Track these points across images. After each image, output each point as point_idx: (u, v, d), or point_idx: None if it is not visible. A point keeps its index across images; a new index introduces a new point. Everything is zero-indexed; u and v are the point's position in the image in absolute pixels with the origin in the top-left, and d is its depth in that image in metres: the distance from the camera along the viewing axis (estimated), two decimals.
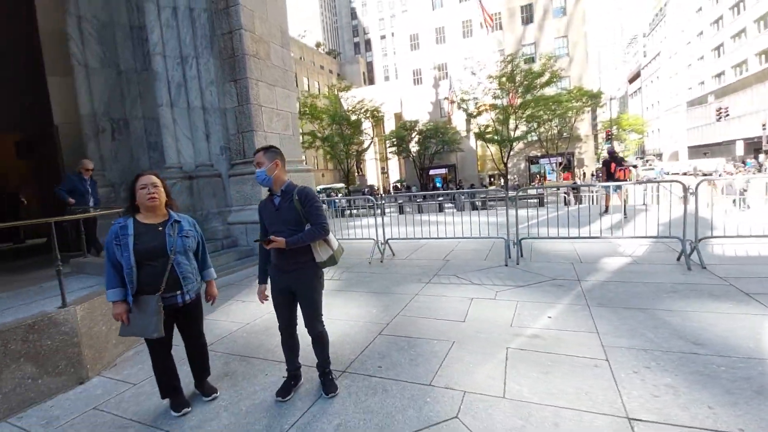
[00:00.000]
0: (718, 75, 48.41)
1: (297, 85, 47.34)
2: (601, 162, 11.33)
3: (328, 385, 2.69)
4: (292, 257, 2.53)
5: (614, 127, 48.41)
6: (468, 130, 35.21)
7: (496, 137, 28.04)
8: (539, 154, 36.77)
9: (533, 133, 33.17)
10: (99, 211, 5.37)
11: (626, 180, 9.79)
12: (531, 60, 34.08)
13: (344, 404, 2.56)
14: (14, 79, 7.70)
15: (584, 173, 35.29)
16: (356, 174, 46.62)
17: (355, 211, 18.74)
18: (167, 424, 2.51)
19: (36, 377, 2.85)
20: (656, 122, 72.73)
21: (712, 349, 2.92)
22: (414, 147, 39.36)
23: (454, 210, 15.38)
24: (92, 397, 2.91)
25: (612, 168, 9.70)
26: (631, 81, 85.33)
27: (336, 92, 30.56)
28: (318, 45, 59.63)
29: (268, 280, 2.73)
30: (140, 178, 2.56)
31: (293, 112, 8.78)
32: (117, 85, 7.57)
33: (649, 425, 2.16)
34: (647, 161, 62.75)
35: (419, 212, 17.36)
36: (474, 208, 15.85)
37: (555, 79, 27.02)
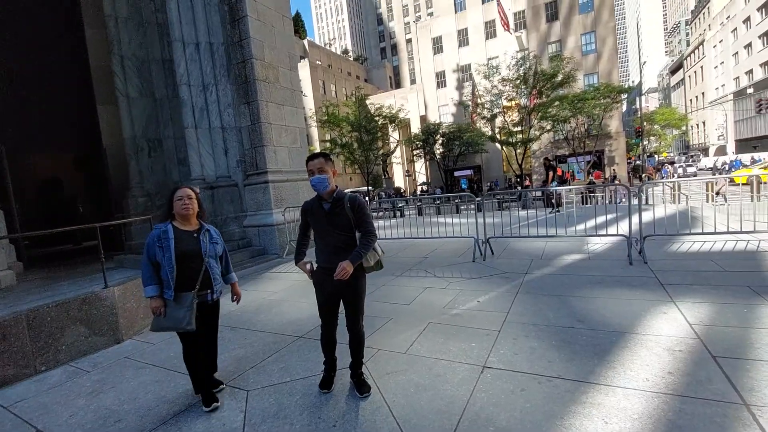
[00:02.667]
0: (767, 63, 45.45)
1: (324, 93, 49.18)
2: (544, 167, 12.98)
3: (361, 385, 2.81)
4: (343, 261, 2.57)
5: (646, 123, 46.65)
6: (492, 131, 35.34)
7: (510, 140, 28.13)
8: (566, 153, 36.25)
9: (559, 132, 32.91)
10: (134, 218, 6.68)
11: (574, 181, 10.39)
12: (558, 58, 33.73)
13: (291, 357, 3.55)
14: (71, 108, 9.35)
15: (614, 172, 34.41)
16: (383, 177, 47.80)
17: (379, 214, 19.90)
18: (171, 365, 3.60)
19: (87, 336, 4.05)
20: (700, 115, 68.75)
21: (588, 325, 3.65)
22: (438, 149, 40.02)
23: (468, 211, 16.05)
24: (124, 352, 4.08)
25: (559, 171, 11.53)
26: (673, 72, 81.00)
27: (355, 100, 31.70)
28: (345, 52, 61.32)
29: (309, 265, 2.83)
30: (177, 190, 2.83)
31: (301, 126, 9.91)
32: (153, 110, 9.01)
33: (495, 371, 2.98)
34: (691, 157, 59.59)
35: (438, 213, 18.17)
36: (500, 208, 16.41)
37: (570, 80, 26.72)
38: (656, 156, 52.51)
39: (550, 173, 12.22)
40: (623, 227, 6.41)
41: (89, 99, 8.80)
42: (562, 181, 13.50)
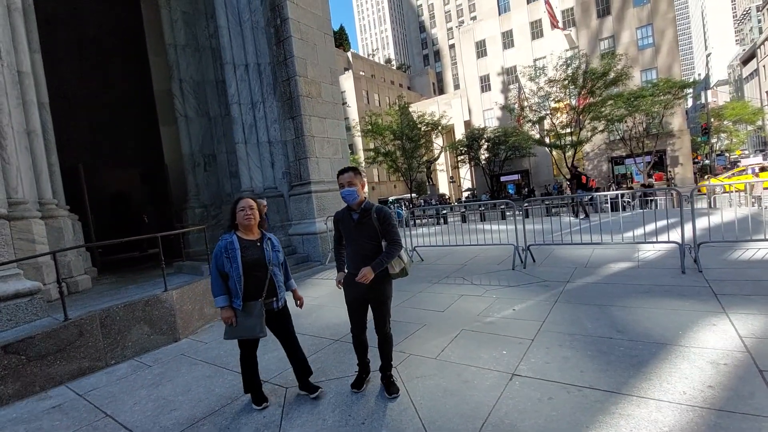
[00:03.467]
0: None
1: (368, 102, 50.18)
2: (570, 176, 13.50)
3: (390, 386, 2.92)
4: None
5: (714, 119, 42.77)
6: (540, 134, 34.15)
7: (559, 142, 27.00)
8: (624, 154, 34.16)
9: (614, 132, 31.17)
10: (190, 227, 7.30)
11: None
12: (611, 55, 32.07)
13: (327, 359, 3.74)
14: (137, 128, 10.41)
15: (672, 174, 31.87)
16: (427, 184, 47.70)
17: (418, 221, 20.00)
18: (221, 362, 3.93)
19: (150, 334, 4.52)
20: None
21: (628, 336, 3.51)
22: (483, 154, 39.32)
23: (515, 218, 15.66)
24: (181, 349, 4.50)
25: (583, 179, 12.27)
26: (745, 63, 73.59)
27: (397, 109, 32.07)
28: (388, 61, 62.25)
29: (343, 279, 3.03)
30: (240, 201, 2.88)
31: (342, 138, 10.29)
32: (208, 128, 9.80)
33: (524, 378, 2.98)
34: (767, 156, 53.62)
35: (482, 220, 17.89)
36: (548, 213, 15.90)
37: (623, 78, 25.22)
38: (727, 154, 47.81)
39: (574, 182, 13.14)
40: (678, 234, 6.02)
41: (153, 120, 9.77)
42: (587, 189, 13.95)
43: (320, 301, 5.92)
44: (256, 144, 9.23)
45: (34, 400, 3.58)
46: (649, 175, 32.58)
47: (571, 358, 3.21)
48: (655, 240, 6.02)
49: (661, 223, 7.35)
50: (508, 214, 18.97)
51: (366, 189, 10.22)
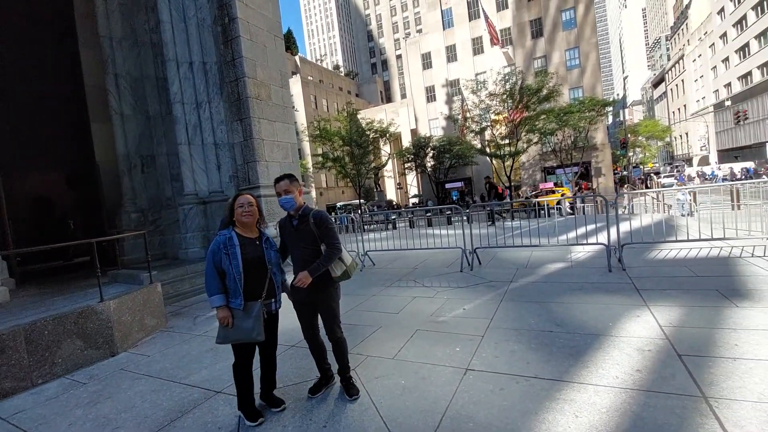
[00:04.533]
0: (744, 76, 47.14)
1: (316, 107, 49.74)
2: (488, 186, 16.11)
3: (350, 388, 2.95)
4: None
5: (630, 135, 47.83)
6: (481, 144, 35.89)
7: (499, 152, 28.72)
8: (555, 165, 36.99)
9: (547, 145, 33.72)
10: (126, 233, 6.79)
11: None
12: (543, 73, 34.70)
13: (283, 365, 3.69)
14: (65, 126, 9.49)
15: (587, 184, 35.11)
16: (375, 190, 48.15)
17: (368, 227, 20.18)
18: (167, 375, 3.71)
19: (83, 349, 4.14)
20: (683, 126, 70.69)
21: (566, 328, 3.85)
22: (429, 162, 40.57)
23: (461, 222, 16.32)
24: (120, 364, 4.17)
25: (499, 189, 14.86)
26: (655, 86, 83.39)
27: (346, 115, 32.21)
28: (336, 67, 62.33)
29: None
30: (238, 197, 2.80)
31: (292, 142, 10.14)
32: (146, 128, 9.18)
33: (477, 372, 3.16)
34: (676, 167, 61.08)
35: (429, 225, 18.39)
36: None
37: (554, 95, 27.52)
38: (641, 167, 53.70)
39: (492, 191, 15.49)
40: (604, 237, 6.69)
41: (83, 117, 8.95)
42: (501, 198, 16.62)
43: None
44: (201, 146, 8.80)
45: None
46: (577, 184, 35.64)
47: (517, 352, 3.46)
48: (585, 242, 6.63)
49: (590, 227, 8.10)
50: (454, 219, 19.83)
51: (306, 195, 10.10)
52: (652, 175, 47.80)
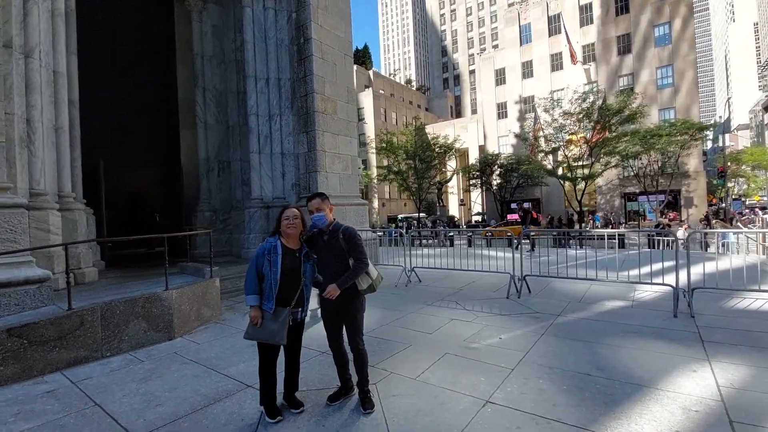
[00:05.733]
0: None
1: (385, 120, 50.98)
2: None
3: (366, 402, 3.02)
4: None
5: (732, 163, 42.31)
6: (553, 164, 34.04)
7: (570, 174, 27.02)
8: (637, 191, 33.93)
9: (630, 168, 31.13)
10: (198, 230, 7.54)
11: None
12: (628, 92, 32.27)
13: (311, 370, 3.86)
14: (159, 131, 10.86)
15: (688, 214, 31.50)
16: (437, 205, 47.85)
17: (424, 241, 20.18)
18: (211, 363, 4.07)
19: (146, 330, 4.70)
20: None
21: (607, 374, 3.56)
22: (495, 180, 39.45)
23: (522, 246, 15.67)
24: (175, 347, 4.65)
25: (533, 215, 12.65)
26: (766, 109, 72.98)
27: (412, 130, 32.57)
28: (408, 82, 63.45)
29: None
30: (285, 210, 3.02)
31: (353, 155, 10.55)
32: (225, 136, 10.17)
33: (497, 406, 3.05)
34: None
35: (489, 245, 17.91)
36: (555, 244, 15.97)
37: (638, 116, 25.33)
38: (744, 199, 47.04)
39: (528, 217, 14.20)
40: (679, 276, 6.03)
41: (174, 125, 10.18)
42: (536, 224, 16.35)
43: (317, 313, 6.03)
44: (269, 154, 9.53)
45: (31, 383, 3.75)
46: (662, 214, 32.27)
47: (546, 391, 3.27)
48: (649, 281, 6.04)
49: (666, 263, 7.33)
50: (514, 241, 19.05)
51: (357, 207, 10.36)
52: (756, 209, 41.67)
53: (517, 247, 7.03)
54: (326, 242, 3.06)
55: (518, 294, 6.66)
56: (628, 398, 3.10)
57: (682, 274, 5.59)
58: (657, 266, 7.31)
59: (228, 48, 10.27)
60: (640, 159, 29.13)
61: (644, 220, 33.17)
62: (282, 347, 3.04)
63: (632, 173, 31.49)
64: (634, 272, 7.12)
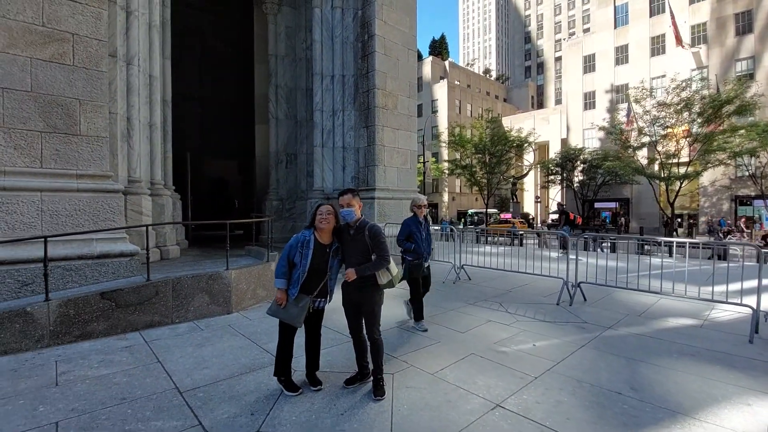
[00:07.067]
0: None
1: (459, 112, 49.83)
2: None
3: (377, 389, 3.21)
4: (361, 277, 3.17)
5: None
6: (650, 160, 30.41)
7: (662, 173, 24.00)
8: (753, 194, 29.15)
9: (744, 167, 26.85)
10: (264, 217, 8.29)
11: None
12: (745, 78, 27.67)
13: (338, 354, 4.13)
14: (237, 125, 12.00)
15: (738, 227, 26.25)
16: (512, 200, 45.82)
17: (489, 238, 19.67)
18: (256, 338, 4.57)
19: (209, 303, 5.39)
20: None
21: (640, 395, 3.31)
22: (577, 176, 36.56)
23: (605, 250, 14.56)
24: (230, 321, 5.28)
25: (571, 216, 13.47)
26: None
27: (483, 123, 31.39)
28: (486, 71, 61.07)
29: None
30: (320, 207, 3.23)
31: (412, 149, 10.66)
32: (294, 130, 10.92)
33: (506, 412, 3.03)
34: None
35: (563, 248, 16.91)
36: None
37: (750, 108, 21.56)
38: None
39: (562, 218, 15.12)
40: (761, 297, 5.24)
41: (251, 119, 11.18)
42: (574, 226, 16.35)
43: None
44: (331, 148, 10.04)
45: (114, 339, 4.57)
46: None
47: (564, 404, 3.16)
48: (725, 300, 5.32)
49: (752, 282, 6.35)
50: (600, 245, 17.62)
51: (413, 198, 10.49)
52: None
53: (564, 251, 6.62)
54: (352, 236, 3.24)
55: (570, 301, 6.30)
56: (655, 423, 2.88)
57: (757, 293, 4.85)
58: (745, 284, 6.37)
59: (299, 47, 10.94)
60: (758, 157, 24.88)
61: (760, 228, 28.40)
62: (305, 330, 3.36)
63: (747, 173, 27.06)
64: (718, 288, 6.29)
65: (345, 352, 4.20)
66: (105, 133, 5.74)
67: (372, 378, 3.34)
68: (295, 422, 2.84)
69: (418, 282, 5.07)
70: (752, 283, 5.56)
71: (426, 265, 5.17)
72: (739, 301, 5.11)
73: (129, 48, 6.73)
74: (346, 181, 10.20)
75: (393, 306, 6.02)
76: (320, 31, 9.86)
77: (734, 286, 6.10)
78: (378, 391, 3.21)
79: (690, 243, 7.42)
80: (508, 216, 34.52)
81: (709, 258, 10.80)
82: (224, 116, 11.96)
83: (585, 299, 6.49)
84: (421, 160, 35.50)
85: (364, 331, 3.40)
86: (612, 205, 38.51)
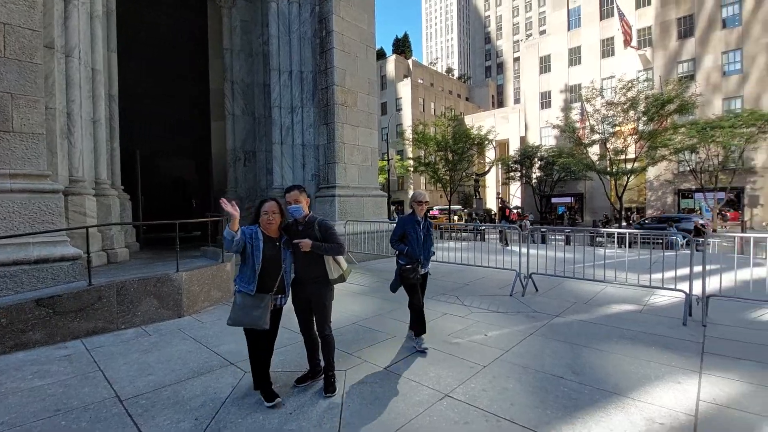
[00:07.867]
0: None
1: (423, 110, 50.41)
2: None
3: (328, 386, 3.20)
4: (311, 273, 3.19)
5: None
6: (601, 156, 32.05)
7: (611, 169, 25.46)
8: (693, 187, 31.42)
9: (686, 163, 28.88)
10: (221, 216, 8.02)
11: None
12: (685, 79, 29.76)
13: (291, 353, 4.09)
14: (194, 123, 11.54)
15: (752, 215, 28.74)
16: (474, 197, 46.96)
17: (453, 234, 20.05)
18: (206, 341, 4.42)
19: (158, 307, 5.16)
20: None
21: (580, 378, 3.50)
22: (535, 173, 37.99)
23: (555, 243, 15.18)
24: (180, 325, 5.08)
25: (506, 212, 16.42)
26: None
27: (445, 120, 31.97)
28: (449, 71, 62.09)
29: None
30: (264, 204, 3.07)
31: (373, 146, 10.67)
32: (252, 127, 10.64)
33: (453, 401, 3.11)
34: None
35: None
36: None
37: (689, 107, 23.30)
38: None
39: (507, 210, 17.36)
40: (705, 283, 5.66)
41: (206, 116, 10.78)
42: (510, 221, 17.32)
43: None
44: (291, 146, 9.88)
45: (53, 348, 4.28)
46: (720, 213, 29.69)
47: (509, 390, 3.28)
48: (660, 286, 5.72)
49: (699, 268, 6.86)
50: (550, 238, 18.39)
51: (378, 197, 10.44)
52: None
53: (506, 244, 6.87)
54: (301, 232, 3.19)
55: (523, 292, 6.55)
56: (593, 404, 3.05)
57: (711, 280, 5.23)
58: (681, 271, 6.87)
59: (255, 42, 10.66)
60: (698, 153, 26.85)
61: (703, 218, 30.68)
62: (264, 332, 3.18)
63: (688, 168, 29.14)
64: (656, 276, 6.74)
65: (299, 351, 4.14)
66: (41, 129, 5.36)
67: (323, 375, 3.32)
68: (240, 424, 2.78)
69: (416, 288, 4.22)
70: (687, 270, 6.00)
71: (423, 271, 4.32)
72: (674, 287, 5.50)
73: (68, 39, 6.30)
74: (306, 179, 10.07)
75: (348, 302, 6.03)
76: (277, 26, 9.66)
77: (670, 274, 6.56)
78: (329, 388, 3.20)
79: (629, 233, 7.88)
80: (435, 212, 35.65)
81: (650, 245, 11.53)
82: (181, 113, 11.47)
83: (537, 290, 6.77)
84: (386, 158, 35.67)
85: (315, 329, 3.38)
86: (568, 200, 40.31)
